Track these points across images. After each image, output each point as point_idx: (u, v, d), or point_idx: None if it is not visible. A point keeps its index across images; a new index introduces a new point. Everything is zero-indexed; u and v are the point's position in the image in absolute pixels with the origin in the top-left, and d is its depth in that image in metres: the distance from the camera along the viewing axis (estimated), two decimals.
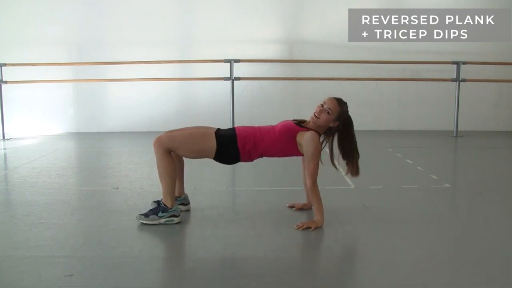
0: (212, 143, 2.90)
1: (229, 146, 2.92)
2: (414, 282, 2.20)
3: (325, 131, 3.04)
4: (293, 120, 3.05)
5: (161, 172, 2.91)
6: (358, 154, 3.02)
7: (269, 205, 3.37)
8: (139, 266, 2.33)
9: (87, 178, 4.43)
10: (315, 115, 2.97)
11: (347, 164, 3.01)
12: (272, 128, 3.00)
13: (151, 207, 3.04)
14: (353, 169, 3.00)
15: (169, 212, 2.91)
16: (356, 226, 2.92)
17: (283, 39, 7.49)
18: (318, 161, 2.89)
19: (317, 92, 7.32)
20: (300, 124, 3.00)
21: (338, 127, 2.99)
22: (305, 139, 2.89)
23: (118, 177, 4.35)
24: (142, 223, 2.91)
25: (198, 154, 2.96)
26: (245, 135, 2.94)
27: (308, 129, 2.95)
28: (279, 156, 3.06)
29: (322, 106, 2.97)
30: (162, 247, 2.73)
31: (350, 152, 2.99)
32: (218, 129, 3.03)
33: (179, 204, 3.12)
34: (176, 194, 3.13)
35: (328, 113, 2.95)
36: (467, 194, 3.76)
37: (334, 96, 3.04)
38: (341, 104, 3.00)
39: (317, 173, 2.88)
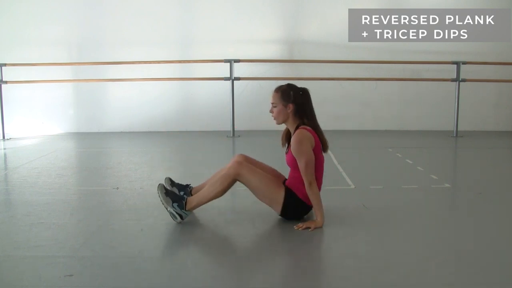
0: (281, 197, 2.88)
1: (294, 200, 2.90)
2: (414, 282, 2.20)
3: (300, 117, 2.93)
4: (285, 149, 3.03)
5: (216, 186, 2.88)
6: (321, 129, 2.94)
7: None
8: (139, 266, 2.34)
9: (87, 178, 4.43)
10: (273, 119, 2.98)
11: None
12: (291, 170, 2.96)
13: (176, 192, 3.02)
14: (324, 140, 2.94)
15: (181, 210, 2.90)
16: (356, 226, 2.92)
17: (283, 39, 7.49)
18: (309, 158, 2.80)
19: (317, 92, 7.25)
20: (287, 148, 3.00)
21: (295, 107, 2.91)
22: (292, 143, 2.86)
23: (118, 177, 4.35)
24: (158, 194, 2.89)
25: (265, 199, 2.94)
26: (294, 183, 2.90)
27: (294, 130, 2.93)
28: (321, 176, 2.97)
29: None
30: (162, 247, 2.73)
31: (307, 119, 2.90)
32: (285, 179, 3.03)
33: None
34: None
35: (274, 107, 2.94)
36: (467, 194, 3.76)
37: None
38: (277, 89, 2.97)
39: (311, 173, 2.82)
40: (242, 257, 2.52)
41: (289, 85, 2.98)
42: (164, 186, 2.97)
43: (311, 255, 2.66)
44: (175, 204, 2.89)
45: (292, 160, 2.89)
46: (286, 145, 3.04)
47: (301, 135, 2.85)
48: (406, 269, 2.33)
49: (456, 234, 2.85)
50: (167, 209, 2.89)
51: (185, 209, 2.90)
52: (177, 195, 2.95)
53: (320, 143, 2.91)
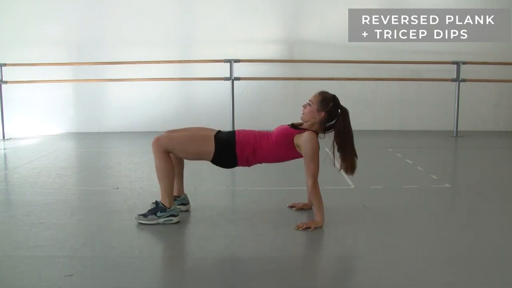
0: (211, 147, 2.89)
1: (228, 151, 2.92)
2: (414, 282, 2.20)
3: (323, 129, 2.99)
4: (289, 124, 3.04)
5: (159, 172, 2.91)
6: (355, 150, 2.96)
7: (269, 205, 3.37)
8: (139, 266, 2.33)
9: (87, 178, 4.43)
10: (302, 114, 2.99)
11: (342, 159, 2.96)
12: (269, 134, 2.99)
13: (150, 208, 3.04)
14: (347, 166, 2.95)
15: (167, 211, 2.91)
16: (356, 226, 2.92)
17: (283, 39, 7.48)
18: (318, 161, 2.88)
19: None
20: (296, 127, 3.00)
21: (325, 118, 2.94)
22: (303, 139, 2.89)
23: (118, 177, 4.35)
24: (141, 223, 2.91)
25: (196, 156, 2.97)
26: (244, 141, 2.93)
27: (304, 130, 2.94)
28: (278, 161, 3.05)
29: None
30: (162, 247, 2.73)
31: (344, 147, 2.93)
32: (219, 131, 3.03)
33: (178, 204, 3.12)
34: (176, 194, 3.13)
35: (309, 105, 2.96)
36: (467, 194, 3.76)
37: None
38: (321, 93, 2.98)
39: (317, 173, 2.88)
40: (241, 257, 2.52)
41: (334, 96, 2.99)
42: (138, 214, 2.96)
43: (311, 255, 2.66)
44: (159, 213, 2.91)
45: (283, 133, 2.93)
46: (294, 125, 3.03)
47: (314, 136, 2.90)
48: (406, 269, 2.33)
49: (456, 234, 2.85)
50: (159, 222, 2.90)
51: (168, 207, 2.91)
52: (153, 208, 2.95)
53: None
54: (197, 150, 2.92)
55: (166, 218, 2.91)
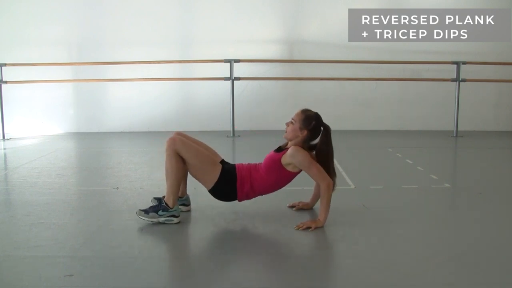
0: (216, 173, 2.93)
1: (229, 184, 2.94)
2: (414, 282, 2.20)
3: (306, 147, 2.99)
4: (275, 150, 3.05)
5: (169, 171, 2.92)
6: (334, 169, 2.97)
7: (269, 205, 3.37)
8: (139, 266, 2.34)
9: (87, 178, 4.43)
10: (284, 132, 3.01)
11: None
12: (258, 166, 3.01)
13: (151, 204, 3.03)
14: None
15: (169, 211, 2.91)
16: (356, 226, 2.92)
17: (283, 39, 7.49)
18: (317, 165, 2.88)
19: (317, 92, 7.37)
20: (280, 148, 3.02)
21: (308, 136, 2.95)
22: (289, 156, 2.89)
23: (118, 177, 4.35)
24: (141, 219, 2.91)
25: (199, 174, 2.97)
26: (243, 176, 2.96)
27: (287, 149, 2.95)
28: (277, 189, 3.06)
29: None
30: (162, 247, 2.74)
31: (324, 164, 2.91)
32: (223, 160, 3.07)
33: (180, 204, 3.12)
34: (179, 194, 3.13)
35: (292, 123, 2.97)
36: (467, 194, 3.76)
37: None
38: (304, 111, 2.99)
39: (324, 174, 2.87)
40: (241, 257, 2.52)
41: (316, 114, 2.98)
42: (140, 209, 2.96)
43: (311, 255, 2.66)
44: (160, 211, 2.91)
45: (270, 160, 2.96)
46: (280, 148, 3.05)
47: (300, 148, 2.92)
48: (406, 269, 2.33)
49: (456, 234, 2.85)
50: (159, 221, 2.91)
51: (171, 208, 2.91)
52: (156, 205, 2.96)
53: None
54: (203, 170, 2.94)
55: (167, 218, 2.91)
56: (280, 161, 2.93)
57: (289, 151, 2.91)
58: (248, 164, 3.07)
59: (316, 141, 2.99)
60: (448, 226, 2.98)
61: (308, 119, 2.94)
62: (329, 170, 2.93)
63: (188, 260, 2.55)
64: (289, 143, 3.01)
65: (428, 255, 2.49)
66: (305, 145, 2.98)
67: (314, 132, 2.95)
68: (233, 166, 3.04)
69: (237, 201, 3.05)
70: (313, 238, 2.76)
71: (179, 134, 3.04)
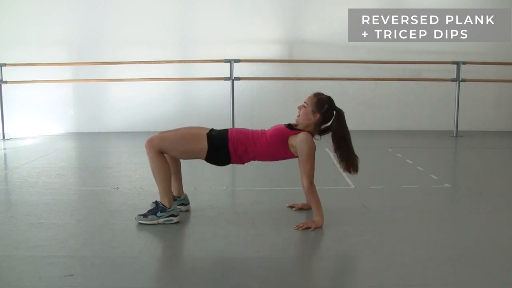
0: (203, 145, 2.89)
1: (220, 148, 2.91)
2: (414, 282, 2.20)
3: (318, 131, 2.99)
4: (285, 124, 3.04)
5: (155, 173, 2.92)
6: (353, 150, 2.97)
7: (269, 205, 3.37)
8: (139, 266, 2.33)
9: (87, 178, 4.43)
10: (297, 116, 2.99)
11: (342, 160, 2.97)
12: (263, 133, 2.99)
13: (150, 208, 3.03)
14: (348, 165, 2.96)
15: (167, 212, 2.91)
16: (356, 226, 2.92)
17: (283, 39, 7.49)
18: (314, 161, 2.88)
19: None
20: (292, 127, 3.00)
21: (320, 120, 2.94)
22: (299, 140, 2.88)
23: (118, 177, 4.35)
24: (141, 223, 2.91)
25: (189, 155, 2.96)
26: (237, 139, 2.93)
27: (300, 131, 2.94)
28: (271, 160, 3.04)
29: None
30: (162, 247, 2.73)
31: (342, 147, 2.93)
32: (211, 129, 3.03)
33: (179, 205, 3.12)
34: (176, 194, 3.13)
35: (304, 107, 2.96)
36: (467, 194, 3.76)
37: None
38: (316, 95, 2.98)
39: (313, 173, 2.87)
40: (241, 257, 2.52)
41: (329, 97, 2.98)
42: (138, 214, 2.96)
43: (311, 255, 2.66)
44: (159, 213, 2.91)
45: (278, 132, 2.92)
46: (290, 125, 3.03)
47: (309, 136, 2.89)
48: (406, 269, 2.33)
49: (456, 234, 2.85)
50: (159, 222, 2.90)
51: (168, 207, 2.91)
52: (152, 208, 2.95)
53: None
54: (189, 148, 2.91)
55: (166, 218, 2.91)
56: (287, 138, 2.90)
57: (301, 135, 2.88)
58: (247, 129, 3.02)
59: (327, 125, 2.98)
60: (448, 226, 2.98)
61: (320, 103, 2.94)
62: (349, 151, 2.93)
63: (188, 260, 2.55)
64: (300, 125, 2.99)
65: (428, 255, 2.49)
66: (317, 128, 2.97)
67: (326, 116, 2.94)
68: (225, 130, 3.01)
69: (230, 163, 2.99)
70: (313, 238, 2.76)
71: (160, 133, 3.03)
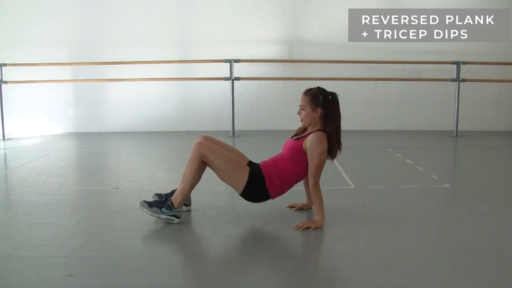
0: (244, 177, 2.89)
1: (259, 185, 2.92)
2: (414, 282, 2.20)
3: (325, 122, 2.96)
4: (292, 137, 3.04)
5: (186, 175, 2.90)
6: (340, 136, 2.98)
7: (269, 205, 3.36)
8: (139, 266, 2.34)
9: (87, 178, 4.43)
10: (301, 121, 2.98)
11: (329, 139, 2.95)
12: (282, 156, 2.99)
13: (153, 199, 3.02)
14: (333, 152, 2.95)
15: (172, 211, 2.91)
16: (356, 226, 2.92)
17: (283, 39, 7.49)
18: (322, 161, 2.88)
19: None
20: (299, 136, 3.01)
21: (323, 112, 2.93)
22: (309, 140, 2.88)
23: (118, 177, 4.35)
24: (143, 210, 2.91)
25: (227, 178, 2.94)
26: (270, 172, 2.93)
27: (307, 135, 2.94)
28: (304, 177, 3.01)
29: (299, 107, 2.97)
30: (162, 247, 2.73)
31: (333, 129, 2.93)
32: (250, 162, 3.05)
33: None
34: None
35: (302, 109, 2.94)
36: (467, 194, 3.76)
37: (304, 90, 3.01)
38: (306, 92, 2.97)
39: (320, 173, 2.88)
40: (242, 257, 2.52)
41: (318, 88, 2.97)
42: (144, 200, 2.97)
43: (311, 255, 2.66)
44: (164, 209, 2.90)
45: (292, 148, 2.92)
46: (297, 135, 3.04)
47: (322, 136, 2.89)
48: (406, 269, 2.33)
49: (456, 234, 2.85)
50: (160, 218, 2.91)
51: (175, 208, 2.91)
52: (160, 201, 2.96)
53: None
54: (232, 175, 2.91)
55: (169, 217, 2.91)
56: (302, 148, 2.90)
57: (313, 135, 2.87)
58: (270, 159, 3.04)
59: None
60: (448, 226, 2.98)
61: (315, 98, 2.93)
62: (338, 135, 2.94)
63: (188, 260, 2.55)
64: (309, 128, 2.98)
65: (428, 255, 2.49)
66: (323, 121, 2.94)
67: (325, 104, 2.93)
68: (258, 166, 3.01)
69: (270, 199, 3.01)
70: (313, 238, 2.76)
71: (206, 138, 3.02)
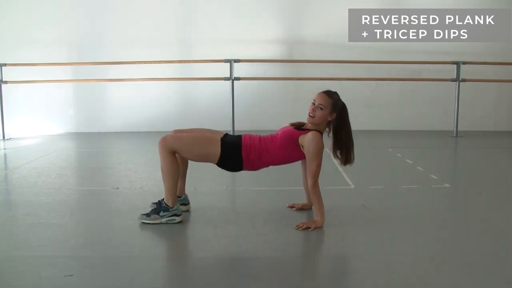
0: (217, 149, 2.89)
1: (233, 154, 2.91)
2: (414, 282, 2.20)
3: (325, 126, 3.00)
4: (291, 125, 3.04)
5: (164, 172, 2.92)
6: (353, 141, 3.01)
7: (269, 205, 3.37)
8: (139, 266, 2.33)
9: (87, 178, 4.43)
10: (310, 115, 2.96)
11: (342, 153, 2.99)
12: (273, 137, 2.99)
13: (150, 208, 3.03)
14: (349, 157, 2.98)
15: (170, 211, 2.91)
16: (356, 226, 2.92)
17: (283, 39, 7.49)
18: (321, 161, 2.88)
19: (317, 92, 7.36)
20: (299, 127, 3.00)
21: (336, 117, 2.96)
22: (307, 139, 2.89)
23: (118, 177, 4.35)
24: (144, 223, 2.91)
25: (202, 158, 2.96)
26: (250, 145, 2.94)
27: (308, 130, 2.94)
28: (283, 163, 3.05)
29: (314, 104, 2.96)
30: (162, 247, 2.73)
31: (347, 140, 2.97)
32: (226, 134, 3.03)
33: (179, 204, 3.12)
34: (177, 193, 3.13)
35: (321, 109, 2.94)
36: (467, 194, 3.76)
37: (323, 90, 3.02)
38: (330, 95, 2.98)
39: (318, 173, 2.88)
40: (241, 257, 2.52)
41: (337, 94, 3.01)
42: (141, 214, 2.97)
43: (311, 255, 2.66)
44: (162, 212, 2.91)
45: (288, 134, 2.93)
46: (294, 125, 3.04)
47: (319, 136, 2.90)
48: (406, 269, 2.33)
49: (456, 234, 2.85)
50: (162, 222, 2.91)
51: (171, 207, 2.92)
52: (155, 208, 2.96)
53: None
54: (203, 151, 2.92)
55: (169, 218, 2.91)
56: (297, 139, 2.91)
57: (309, 135, 2.88)
58: (257, 135, 3.04)
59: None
60: (448, 226, 2.98)
61: (336, 103, 2.95)
62: (349, 144, 2.97)
63: (188, 260, 2.55)
64: (310, 125, 2.99)
65: (428, 255, 2.49)
66: (327, 125, 2.98)
67: (342, 114, 2.97)
68: (239, 136, 3.02)
69: (242, 170, 3.01)
70: (313, 238, 2.76)
71: (174, 131, 3.03)
